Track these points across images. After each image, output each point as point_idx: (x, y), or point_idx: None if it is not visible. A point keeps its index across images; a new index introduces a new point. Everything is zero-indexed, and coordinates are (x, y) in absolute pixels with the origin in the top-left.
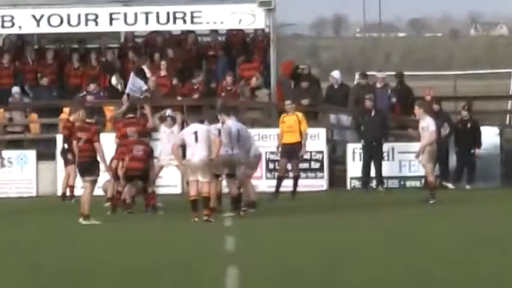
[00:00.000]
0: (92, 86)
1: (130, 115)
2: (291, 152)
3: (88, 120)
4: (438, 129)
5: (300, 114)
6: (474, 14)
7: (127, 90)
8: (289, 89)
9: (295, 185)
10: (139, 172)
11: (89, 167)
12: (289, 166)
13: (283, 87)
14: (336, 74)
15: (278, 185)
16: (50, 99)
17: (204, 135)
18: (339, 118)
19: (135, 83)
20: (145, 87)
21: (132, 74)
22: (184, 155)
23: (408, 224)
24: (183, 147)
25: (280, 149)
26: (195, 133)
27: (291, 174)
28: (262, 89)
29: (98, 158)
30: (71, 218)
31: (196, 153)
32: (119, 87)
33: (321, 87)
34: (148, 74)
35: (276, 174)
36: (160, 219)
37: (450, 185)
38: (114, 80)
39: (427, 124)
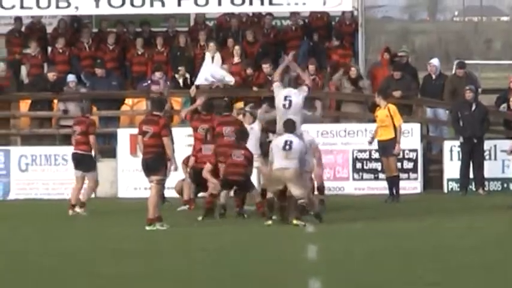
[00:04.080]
0: (157, 74)
1: (226, 113)
2: (384, 149)
3: (155, 113)
4: None
5: (392, 107)
6: None
7: (198, 81)
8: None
9: (392, 185)
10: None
11: (155, 164)
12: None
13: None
14: (435, 61)
15: (391, 186)
16: (110, 88)
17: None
18: (436, 112)
19: (215, 74)
20: (230, 78)
21: (209, 62)
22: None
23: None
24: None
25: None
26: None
27: (381, 175)
28: (364, 79)
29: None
30: (133, 221)
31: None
32: (181, 80)
33: (418, 77)
34: (218, 61)
35: (363, 174)
36: (242, 223)
37: None
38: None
39: None
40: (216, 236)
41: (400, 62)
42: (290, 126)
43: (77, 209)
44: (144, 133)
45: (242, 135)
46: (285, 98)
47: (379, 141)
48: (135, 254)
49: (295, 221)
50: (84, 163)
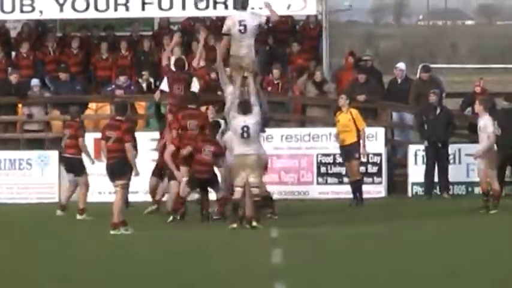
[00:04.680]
0: (121, 79)
1: (192, 106)
2: (348, 153)
3: (118, 118)
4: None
5: (354, 111)
6: None
7: (163, 86)
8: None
9: (355, 189)
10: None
11: (119, 169)
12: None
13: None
14: (401, 65)
15: (354, 190)
16: (74, 93)
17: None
18: (402, 116)
19: None
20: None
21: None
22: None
23: (474, 234)
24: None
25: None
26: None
27: (345, 179)
28: (329, 83)
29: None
30: (97, 226)
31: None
32: (144, 85)
33: (383, 81)
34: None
35: (328, 179)
36: (206, 226)
37: None
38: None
39: (485, 124)
40: (180, 239)
41: (365, 65)
42: (246, 108)
43: (60, 212)
44: (107, 138)
45: (213, 128)
46: (240, 22)
47: (342, 146)
48: (96, 259)
49: (254, 223)
50: (75, 166)
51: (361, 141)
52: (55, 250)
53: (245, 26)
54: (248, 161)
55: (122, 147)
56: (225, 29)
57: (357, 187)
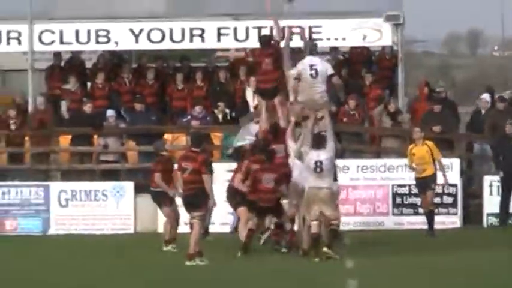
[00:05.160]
0: (197, 109)
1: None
2: (424, 185)
3: (194, 149)
4: None
5: (430, 143)
6: None
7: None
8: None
9: (431, 220)
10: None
11: (196, 201)
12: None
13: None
14: (486, 97)
15: (429, 221)
16: (149, 123)
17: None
18: (482, 147)
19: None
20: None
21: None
22: None
23: None
24: None
25: (415, 184)
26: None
27: (420, 210)
28: (404, 113)
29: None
30: (175, 258)
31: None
32: (220, 116)
33: (458, 112)
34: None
35: (403, 209)
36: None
37: None
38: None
39: None
40: (256, 271)
41: (439, 96)
42: (320, 142)
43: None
44: (184, 169)
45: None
46: (311, 67)
47: (419, 178)
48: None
49: (325, 249)
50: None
51: (439, 172)
52: (124, 278)
53: (316, 70)
54: (321, 195)
55: (198, 179)
56: (294, 73)
57: (432, 218)
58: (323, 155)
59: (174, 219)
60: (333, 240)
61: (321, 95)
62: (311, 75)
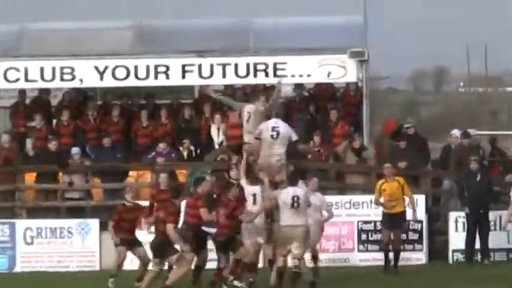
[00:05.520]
0: (161, 146)
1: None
2: (395, 222)
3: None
4: None
5: (401, 180)
6: None
7: None
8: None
9: (397, 258)
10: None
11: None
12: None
13: (387, 148)
14: (456, 132)
15: (387, 258)
16: (114, 161)
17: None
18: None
19: None
20: None
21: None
22: None
23: None
24: None
25: (382, 219)
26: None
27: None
28: (368, 149)
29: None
30: None
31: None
32: (185, 153)
33: (428, 148)
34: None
35: (368, 246)
36: None
37: None
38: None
39: None
40: None
41: (407, 132)
42: (294, 179)
43: None
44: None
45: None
46: (273, 128)
47: (388, 214)
48: None
49: None
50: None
51: (410, 208)
52: None
53: (278, 132)
54: (297, 232)
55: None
56: (257, 132)
57: (398, 255)
58: (299, 191)
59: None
60: (295, 282)
61: (278, 157)
62: (271, 136)
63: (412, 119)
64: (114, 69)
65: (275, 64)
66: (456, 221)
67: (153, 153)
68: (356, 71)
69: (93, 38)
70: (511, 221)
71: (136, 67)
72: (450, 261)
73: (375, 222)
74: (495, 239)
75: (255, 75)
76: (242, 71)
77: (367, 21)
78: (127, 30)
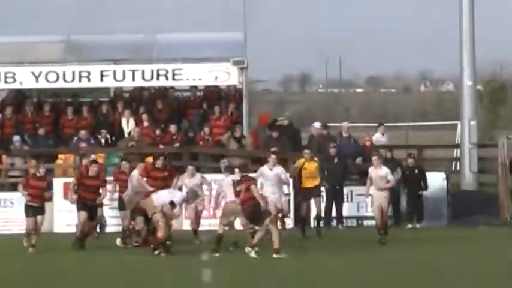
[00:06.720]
0: (82, 132)
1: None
2: (313, 193)
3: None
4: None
5: (317, 161)
6: (424, 72)
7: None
8: (265, 138)
9: (319, 223)
10: None
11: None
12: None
13: (261, 137)
14: (317, 124)
15: (304, 227)
16: (47, 146)
17: None
18: None
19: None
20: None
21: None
22: None
23: (366, 258)
24: None
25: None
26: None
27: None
28: (246, 138)
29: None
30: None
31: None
32: (103, 140)
33: (301, 137)
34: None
35: None
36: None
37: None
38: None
39: (386, 172)
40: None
41: (282, 124)
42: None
43: None
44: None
45: None
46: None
47: (306, 188)
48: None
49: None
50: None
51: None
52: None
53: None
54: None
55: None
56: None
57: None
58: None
59: None
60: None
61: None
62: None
63: (280, 114)
64: (47, 74)
65: (174, 70)
66: None
67: (76, 138)
68: (238, 76)
69: (31, 49)
70: (368, 196)
71: (64, 72)
72: (312, 226)
73: None
74: (348, 208)
75: (158, 79)
76: (148, 76)
77: (246, 37)
78: (58, 43)
